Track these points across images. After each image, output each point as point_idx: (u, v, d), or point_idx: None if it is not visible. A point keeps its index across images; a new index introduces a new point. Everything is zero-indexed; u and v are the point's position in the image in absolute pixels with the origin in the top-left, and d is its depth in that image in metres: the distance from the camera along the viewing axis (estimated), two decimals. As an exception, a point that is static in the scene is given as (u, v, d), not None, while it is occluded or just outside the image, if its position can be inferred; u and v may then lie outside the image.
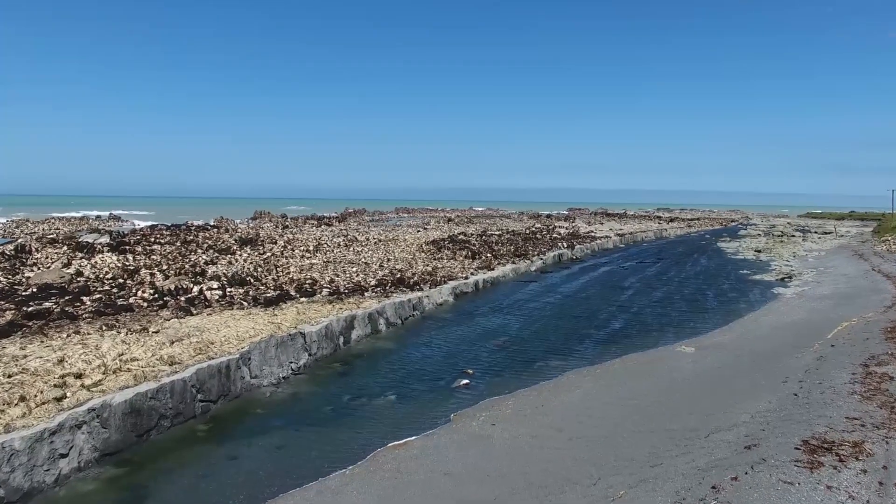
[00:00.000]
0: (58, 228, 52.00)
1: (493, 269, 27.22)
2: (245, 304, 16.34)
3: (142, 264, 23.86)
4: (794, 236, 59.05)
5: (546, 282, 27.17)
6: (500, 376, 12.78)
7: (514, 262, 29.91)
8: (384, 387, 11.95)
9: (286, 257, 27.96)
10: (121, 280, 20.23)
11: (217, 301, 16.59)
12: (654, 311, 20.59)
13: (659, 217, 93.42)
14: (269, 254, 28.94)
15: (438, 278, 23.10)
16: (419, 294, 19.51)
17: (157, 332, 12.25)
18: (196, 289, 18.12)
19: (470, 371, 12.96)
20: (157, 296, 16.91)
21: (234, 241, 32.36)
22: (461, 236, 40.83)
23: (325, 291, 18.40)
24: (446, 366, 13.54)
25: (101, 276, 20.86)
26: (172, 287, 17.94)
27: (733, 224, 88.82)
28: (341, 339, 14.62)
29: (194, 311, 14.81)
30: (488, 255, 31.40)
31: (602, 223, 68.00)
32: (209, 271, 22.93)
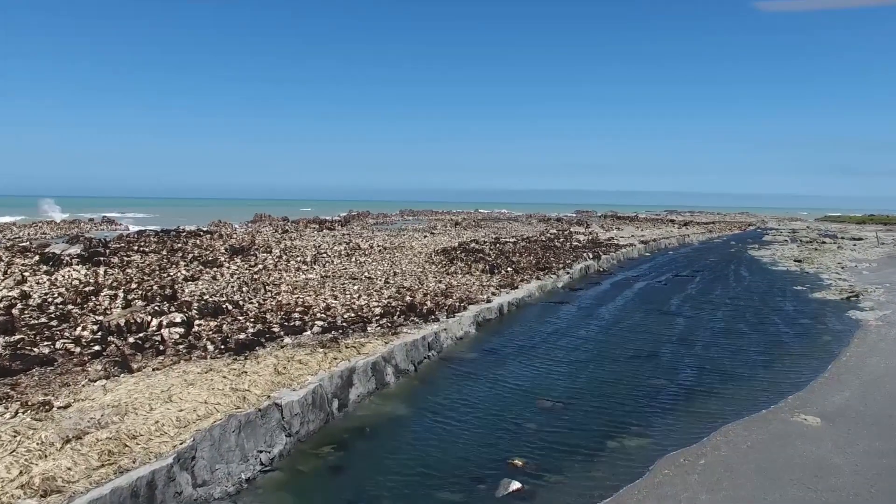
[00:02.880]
0: (44, 233, 48.36)
1: (516, 288, 23.33)
2: (210, 347, 12.46)
3: (108, 282, 19.96)
4: (824, 242, 55.27)
5: (579, 302, 23.26)
6: (561, 471, 8.82)
7: (538, 278, 26.02)
8: (395, 496, 8.03)
9: (279, 270, 24.15)
10: (70, 306, 16.43)
11: (175, 344, 12.72)
12: (724, 348, 16.62)
13: (672, 220, 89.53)
14: (260, 266, 25.09)
15: (455, 300, 19.23)
16: (434, 327, 15.64)
17: (64, 408, 8.40)
18: (154, 322, 14.26)
19: (518, 463, 9.01)
20: (99, 335, 13.04)
21: (224, 251, 28.50)
22: (473, 244, 36.96)
23: (317, 326, 14.53)
24: (482, 449, 9.60)
25: (48, 300, 17.00)
26: (122, 322, 14.07)
27: (751, 228, 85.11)
28: (335, 404, 10.74)
29: (134, 366, 10.92)
30: (508, 268, 27.51)
31: (620, 228, 64.01)
32: (186, 291, 19.11)
